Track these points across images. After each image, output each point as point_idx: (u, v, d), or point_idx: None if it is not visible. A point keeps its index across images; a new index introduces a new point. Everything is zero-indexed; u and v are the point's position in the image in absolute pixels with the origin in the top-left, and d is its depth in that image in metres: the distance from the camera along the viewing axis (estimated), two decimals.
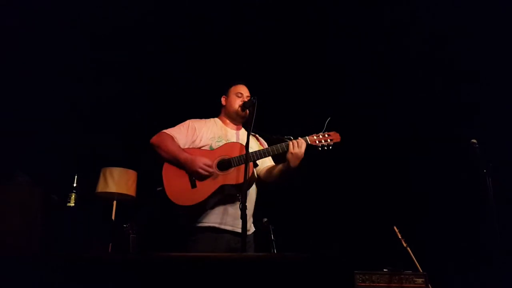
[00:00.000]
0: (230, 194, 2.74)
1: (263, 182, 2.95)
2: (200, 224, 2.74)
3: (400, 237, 3.73)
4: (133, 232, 3.87)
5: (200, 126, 2.97)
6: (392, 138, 4.53)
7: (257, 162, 2.83)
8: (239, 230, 2.64)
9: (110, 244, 3.71)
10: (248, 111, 2.93)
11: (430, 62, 4.57)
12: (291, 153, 2.70)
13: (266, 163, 3.00)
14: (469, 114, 4.32)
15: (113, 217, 4.23)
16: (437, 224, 4.23)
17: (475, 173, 3.25)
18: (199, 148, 2.88)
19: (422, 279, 3.34)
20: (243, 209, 2.37)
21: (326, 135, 2.82)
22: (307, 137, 2.80)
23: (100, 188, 4.19)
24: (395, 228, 3.78)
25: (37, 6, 4.40)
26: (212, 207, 2.75)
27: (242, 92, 3.04)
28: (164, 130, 2.92)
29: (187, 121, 3.01)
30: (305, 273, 1.64)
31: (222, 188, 2.71)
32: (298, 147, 2.70)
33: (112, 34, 4.71)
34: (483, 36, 4.29)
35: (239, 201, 2.68)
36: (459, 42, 4.38)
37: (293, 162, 2.71)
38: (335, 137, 2.84)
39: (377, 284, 3.31)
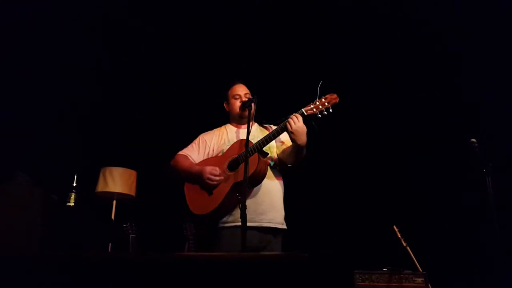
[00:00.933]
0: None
1: (284, 166, 2.91)
2: (222, 225, 2.79)
3: (399, 236, 3.72)
4: (132, 231, 3.88)
5: (210, 137, 3.06)
6: (392, 138, 4.53)
7: (265, 150, 2.81)
8: (265, 225, 2.77)
9: (110, 244, 3.71)
10: (248, 110, 2.94)
11: (430, 62, 4.56)
12: (292, 132, 2.67)
13: (285, 144, 2.96)
14: (469, 113, 4.31)
15: (112, 217, 4.23)
16: (436, 223, 4.22)
17: (474, 172, 3.25)
18: (214, 156, 2.96)
19: (421, 279, 3.34)
20: (243, 208, 2.37)
21: (323, 99, 2.71)
22: (302, 109, 2.73)
23: (100, 187, 4.19)
24: (394, 227, 3.77)
25: (37, 5, 4.41)
26: (231, 208, 2.78)
27: (239, 93, 3.05)
28: (179, 152, 3.04)
29: (198, 137, 3.10)
30: (305, 272, 1.65)
31: (235, 186, 2.73)
32: (295, 123, 2.67)
33: (112, 34, 4.71)
34: (483, 35, 4.29)
35: (254, 195, 2.75)
36: (459, 42, 4.37)
37: (298, 139, 2.68)
38: (332, 98, 2.71)
39: (377, 284, 3.31)
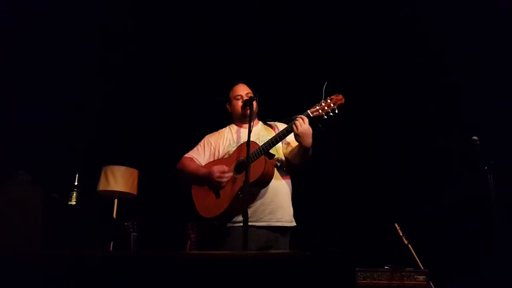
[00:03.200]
0: (252, 193, 2.72)
1: (292, 166, 2.91)
2: (231, 224, 2.79)
3: (401, 234, 3.72)
4: (134, 230, 3.88)
5: (215, 139, 3.06)
6: (393, 135, 4.52)
7: (271, 151, 2.79)
8: (274, 224, 2.76)
9: (112, 242, 3.72)
10: (249, 109, 2.93)
11: (430, 62, 4.55)
12: (297, 134, 2.66)
13: (291, 145, 2.95)
14: (470, 111, 4.30)
15: (114, 216, 4.24)
16: (438, 221, 4.22)
17: (476, 170, 3.24)
18: (220, 158, 2.95)
19: (423, 277, 3.33)
20: (245, 207, 2.37)
21: (328, 100, 2.68)
22: (308, 110, 2.71)
23: (102, 186, 4.19)
24: (396, 225, 3.77)
25: (38, 5, 4.41)
26: (240, 209, 2.73)
27: (240, 93, 3.06)
28: (185, 155, 3.03)
29: (203, 139, 3.11)
30: (307, 270, 1.64)
31: (243, 189, 2.71)
32: (301, 125, 2.65)
33: (112, 33, 4.71)
34: (483, 35, 4.28)
35: (262, 196, 2.75)
36: (459, 42, 4.36)
37: (304, 141, 2.67)
38: (337, 98, 2.69)
39: (379, 282, 3.30)
